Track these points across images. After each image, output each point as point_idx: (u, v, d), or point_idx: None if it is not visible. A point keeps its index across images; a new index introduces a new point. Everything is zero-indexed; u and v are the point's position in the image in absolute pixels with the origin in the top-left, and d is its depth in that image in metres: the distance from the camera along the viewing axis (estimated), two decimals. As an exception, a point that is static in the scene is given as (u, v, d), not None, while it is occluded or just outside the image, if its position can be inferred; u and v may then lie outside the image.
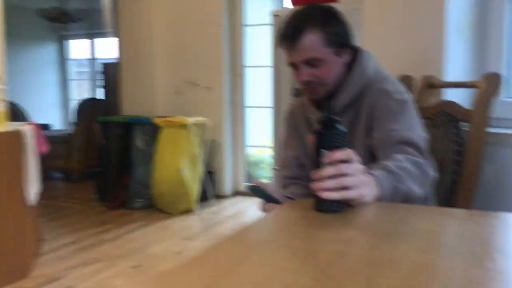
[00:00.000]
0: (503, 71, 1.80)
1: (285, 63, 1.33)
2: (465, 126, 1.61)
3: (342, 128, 0.90)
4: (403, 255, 0.68)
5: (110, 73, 5.31)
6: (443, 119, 1.67)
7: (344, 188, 0.89)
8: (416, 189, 1.08)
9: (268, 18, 3.48)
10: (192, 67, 4.46)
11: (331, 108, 0.92)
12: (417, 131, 1.20)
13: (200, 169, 4.06)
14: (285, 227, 0.90)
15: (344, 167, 0.88)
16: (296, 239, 0.80)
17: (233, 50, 4.40)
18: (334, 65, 1.27)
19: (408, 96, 1.28)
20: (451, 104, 1.67)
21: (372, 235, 0.79)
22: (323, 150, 0.89)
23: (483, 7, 1.86)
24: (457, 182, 1.58)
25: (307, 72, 1.27)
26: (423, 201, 1.14)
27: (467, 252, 0.69)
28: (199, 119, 4.11)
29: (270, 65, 3.49)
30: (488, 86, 1.51)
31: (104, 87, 5.62)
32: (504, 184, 1.67)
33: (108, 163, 4.32)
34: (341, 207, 0.91)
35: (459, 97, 1.75)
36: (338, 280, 0.59)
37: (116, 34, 4.79)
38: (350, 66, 1.32)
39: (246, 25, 4.38)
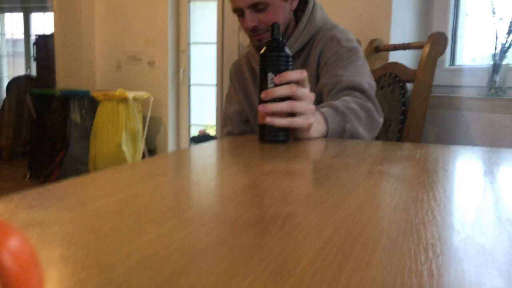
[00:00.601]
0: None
1: (231, 9, 1.26)
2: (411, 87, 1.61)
3: (288, 51, 0.86)
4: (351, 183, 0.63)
5: (44, 46, 5.00)
6: (389, 80, 1.67)
7: (293, 115, 0.84)
8: (363, 132, 1.06)
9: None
10: (135, 41, 4.28)
11: (276, 31, 0.86)
12: (366, 77, 1.18)
13: (141, 146, 3.91)
14: (221, 152, 0.83)
15: (295, 88, 0.82)
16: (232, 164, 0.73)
17: (178, 25, 4.26)
18: (281, 9, 1.23)
19: (357, 44, 1.25)
20: (397, 65, 1.67)
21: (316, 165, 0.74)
22: (269, 74, 0.84)
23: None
24: (401, 141, 1.58)
25: (253, 18, 1.22)
26: None
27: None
28: (140, 93, 3.95)
29: (216, 42, 3.40)
30: (433, 45, 1.51)
31: (38, 60, 5.28)
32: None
33: (41, 139, 4.07)
34: (286, 138, 0.86)
35: (406, 59, 1.75)
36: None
37: (51, 8, 4.51)
38: (297, 15, 1.29)
39: (192, 0, 4.25)
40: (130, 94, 3.80)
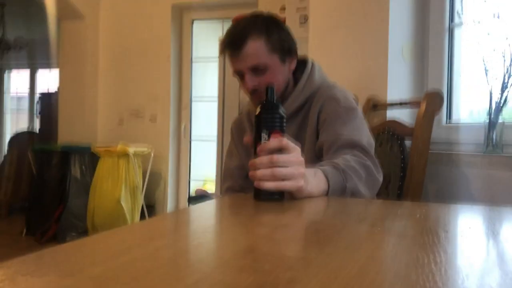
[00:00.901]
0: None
1: (232, 73, 1.30)
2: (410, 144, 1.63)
3: (282, 111, 0.88)
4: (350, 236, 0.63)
5: (48, 103, 5.09)
6: (387, 137, 1.69)
7: (281, 178, 0.85)
8: (363, 190, 1.06)
9: (216, 51, 3.48)
10: (137, 97, 4.37)
11: (271, 92, 0.89)
12: (365, 135, 1.19)
13: (140, 201, 3.89)
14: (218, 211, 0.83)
15: (276, 157, 0.84)
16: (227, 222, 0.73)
17: (181, 82, 4.36)
18: (280, 71, 1.27)
19: (356, 104, 1.28)
20: (394, 122, 1.70)
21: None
22: (263, 134, 0.86)
23: (423, 33, 1.94)
24: (402, 198, 1.58)
25: (253, 80, 1.25)
26: None
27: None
28: (141, 148, 3.98)
29: (217, 97, 3.48)
30: (429, 103, 1.55)
31: (41, 117, 5.36)
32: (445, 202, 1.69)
33: (40, 194, 4.05)
34: (281, 197, 0.86)
35: (404, 116, 1.78)
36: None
37: (57, 64, 4.64)
38: (296, 75, 1.33)
39: (195, 59, 4.37)
40: (131, 149, 3.82)
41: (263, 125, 0.86)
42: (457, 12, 1.79)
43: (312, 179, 0.92)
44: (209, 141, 4.19)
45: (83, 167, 3.95)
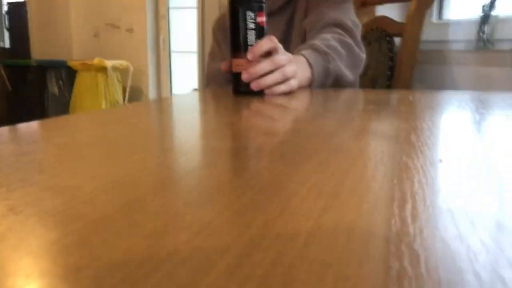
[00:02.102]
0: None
1: None
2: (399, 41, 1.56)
3: None
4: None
5: (17, 14, 4.79)
6: (376, 35, 1.62)
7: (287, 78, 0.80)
8: (346, 72, 1.01)
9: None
10: (112, 8, 4.12)
11: None
12: (350, 15, 1.12)
13: (122, 116, 3.82)
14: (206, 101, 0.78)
15: (279, 59, 0.78)
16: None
17: (157, -10, 4.10)
18: None
19: None
20: (384, 19, 1.62)
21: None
22: (248, 12, 0.77)
23: None
24: (389, 98, 1.55)
25: None
26: (352, 85, 1.08)
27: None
28: (119, 62, 3.83)
29: (196, 6, 3.30)
30: (421, -3, 1.46)
31: (11, 30, 5.07)
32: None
33: (17, 112, 3.94)
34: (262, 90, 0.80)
35: (394, 14, 1.69)
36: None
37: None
38: None
39: (171, -37, 4.09)
40: (109, 63, 3.68)
41: (244, 4, 0.77)
42: None
43: (299, 69, 0.87)
44: (189, 52, 4.05)
45: (61, 82, 3.82)
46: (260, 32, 0.78)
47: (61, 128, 0.47)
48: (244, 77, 0.76)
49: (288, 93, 0.79)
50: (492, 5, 1.52)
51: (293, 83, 0.81)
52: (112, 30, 4.18)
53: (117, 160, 0.32)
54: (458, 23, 1.73)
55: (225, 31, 1.38)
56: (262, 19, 0.78)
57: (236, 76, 0.79)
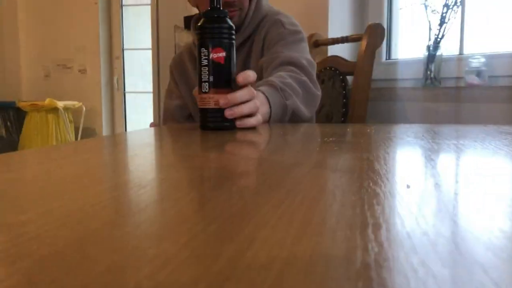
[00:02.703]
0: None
1: None
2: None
3: (230, 22, 0.79)
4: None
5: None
6: (329, 74, 1.66)
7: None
8: (303, 108, 1.03)
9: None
10: (64, 48, 4.06)
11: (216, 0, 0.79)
12: (305, 55, 1.15)
13: (74, 158, 3.70)
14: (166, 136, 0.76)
15: (252, 92, 0.79)
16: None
17: (111, 31, 4.09)
18: None
19: (301, 29, 1.23)
20: (336, 58, 1.67)
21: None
22: (210, 46, 0.76)
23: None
24: (344, 134, 1.58)
25: None
26: (309, 122, 1.10)
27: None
28: (72, 102, 3.75)
29: (150, 47, 3.29)
30: (371, 36, 1.52)
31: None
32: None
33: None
34: (233, 125, 0.79)
35: (345, 53, 1.76)
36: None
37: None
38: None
39: (125, 4, 4.10)
40: (61, 104, 3.58)
41: (210, 38, 0.77)
42: None
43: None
44: (144, 93, 4.02)
45: (8, 123, 3.68)
46: (217, 68, 0.77)
47: (7, 164, 0.44)
48: (222, 102, 0.75)
49: (253, 128, 0.78)
50: (436, 46, 1.61)
51: (259, 118, 0.81)
52: (64, 70, 4.10)
53: (69, 195, 0.30)
54: (406, 62, 1.81)
55: (182, 69, 1.38)
56: (219, 55, 0.77)
57: (203, 111, 0.78)
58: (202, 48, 0.77)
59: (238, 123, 0.77)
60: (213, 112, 0.78)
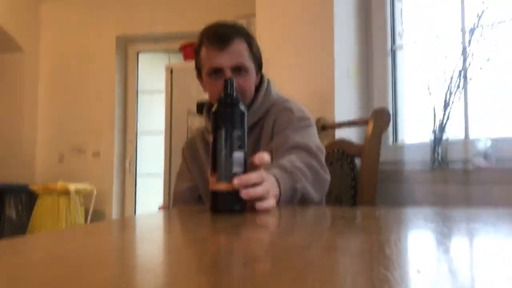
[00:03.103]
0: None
1: (207, 69, 1.24)
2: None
3: (242, 108, 0.82)
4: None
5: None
6: (337, 156, 1.69)
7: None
8: (312, 192, 1.03)
9: (162, 85, 3.40)
10: (80, 132, 4.17)
11: (230, 85, 0.83)
12: (314, 141, 1.18)
13: (82, 241, 3.65)
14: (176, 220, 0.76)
15: (263, 175, 0.80)
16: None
17: (126, 116, 4.23)
18: (253, 79, 1.28)
19: (310, 116, 1.28)
20: (343, 141, 1.70)
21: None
22: (223, 130, 0.78)
23: (368, 55, 2.00)
24: (355, 216, 1.56)
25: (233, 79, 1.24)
26: (318, 204, 1.09)
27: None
28: (83, 185, 3.78)
29: (163, 131, 3.39)
30: (377, 120, 1.56)
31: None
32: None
33: (-31, 238, 3.71)
34: (244, 208, 0.78)
35: (352, 136, 1.79)
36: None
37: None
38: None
39: (141, 91, 4.28)
40: (72, 187, 3.62)
41: (223, 121, 0.79)
42: (399, 34, 1.86)
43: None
44: (155, 177, 4.06)
45: (19, 206, 3.69)
46: (244, 152, 0.79)
47: (15, 248, 0.44)
48: (236, 182, 0.76)
49: (266, 211, 0.78)
50: (441, 129, 1.64)
51: (272, 201, 0.81)
52: (78, 154, 4.18)
53: (78, 280, 0.30)
54: (412, 145, 1.84)
55: (195, 153, 1.41)
56: (245, 138, 0.80)
57: (214, 194, 0.79)
58: (230, 131, 0.79)
59: (258, 206, 0.77)
60: (224, 195, 0.78)
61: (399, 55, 1.94)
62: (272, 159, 1.18)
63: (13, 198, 3.66)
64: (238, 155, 0.78)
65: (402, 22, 1.86)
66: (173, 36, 3.97)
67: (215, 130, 0.79)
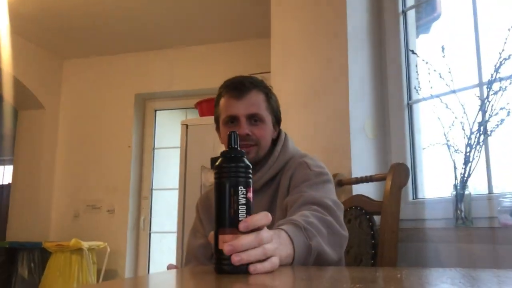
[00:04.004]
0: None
1: (223, 118, 1.27)
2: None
3: (247, 162, 0.77)
4: None
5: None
6: (355, 213, 1.63)
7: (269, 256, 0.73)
8: (329, 249, 0.97)
9: (177, 141, 3.41)
10: (95, 189, 4.17)
11: (234, 140, 0.79)
12: (330, 197, 1.13)
13: (93, 302, 3.55)
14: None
15: (262, 236, 0.72)
16: None
17: (141, 172, 4.23)
18: (269, 131, 1.29)
19: (327, 171, 1.24)
20: (361, 197, 1.65)
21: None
22: (240, 188, 0.74)
23: (384, 109, 1.97)
24: (375, 277, 1.48)
25: (248, 127, 1.25)
26: (336, 265, 1.02)
27: None
28: (97, 243, 3.73)
29: (177, 187, 3.36)
30: (395, 176, 1.51)
31: (-9, 212, 5.03)
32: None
33: (-20, 298, 3.65)
34: (247, 269, 0.71)
35: (370, 192, 1.74)
36: None
37: (11, 159, 4.44)
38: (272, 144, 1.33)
39: (157, 148, 4.30)
40: (85, 245, 3.56)
41: (227, 177, 0.74)
42: (415, 88, 1.84)
43: (279, 245, 0.83)
44: (169, 233, 3.99)
45: (32, 264, 3.64)
46: (249, 207, 0.75)
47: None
48: (227, 249, 0.70)
49: (271, 272, 0.73)
50: (463, 185, 1.58)
51: (275, 261, 0.74)
52: (93, 211, 4.16)
53: None
54: (433, 201, 1.77)
55: (208, 209, 1.37)
56: (250, 194, 0.75)
57: (218, 253, 0.74)
58: (240, 187, 0.74)
59: (252, 269, 0.71)
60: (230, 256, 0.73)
61: (416, 108, 1.92)
62: (286, 216, 1.13)
63: (25, 256, 3.62)
64: (243, 212, 0.74)
65: (418, 75, 1.85)
66: (190, 93, 4.04)
67: (220, 186, 0.75)
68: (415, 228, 1.68)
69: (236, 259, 0.69)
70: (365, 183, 1.71)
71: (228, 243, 0.70)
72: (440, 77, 1.66)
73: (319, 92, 2.04)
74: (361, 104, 1.94)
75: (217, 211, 0.75)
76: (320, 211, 1.04)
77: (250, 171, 0.76)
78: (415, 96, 1.90)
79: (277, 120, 1.32)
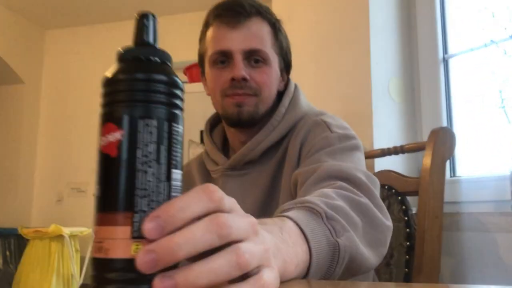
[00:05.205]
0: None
1: (210, 55, 0.90)
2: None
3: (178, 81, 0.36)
4: None
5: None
6: (383, 194, 1.25)
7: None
8: (366, 250, 0.60)
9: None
10: (80, 171, 3.85)
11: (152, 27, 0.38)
12: (361, 168, 0.75)
13: (75, 295, 3.23)
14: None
15: (229, 225, 0.33)
16: None
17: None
18: (275, 77, 0.92)
19: (354, 133, 0.87)
20: (390, 174, 1.28)
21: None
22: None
23: (413, 67, 1.61)
24: (411, 279, 1.11)
25: (245, 69, 0.87)
26: (371, 269, 0.66)
27: None
28: (80, 229, 3.38)
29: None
30: (438, 144, 1.14)
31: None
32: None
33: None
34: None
35: (396, 168, 1.36)
36: None
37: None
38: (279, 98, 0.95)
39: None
40: (66, 231, 3.22)
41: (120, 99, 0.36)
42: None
43: (279, 245, 0.45)
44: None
45: (7, 253, 3.32)
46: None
47: None
48: (144, 257, 0.32)
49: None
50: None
51: (266, 278, 0.36)
52: (78, 194, 3.85)
53: None
54: (479, 180, 1.39)
55: (189, 181, 1.01)
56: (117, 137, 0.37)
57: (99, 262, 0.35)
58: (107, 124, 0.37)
59: None
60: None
61: (454, 63, 1.54)
62: (295, 197, 0.77)
63: (0, 245, 3.29)
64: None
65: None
66: (180, 66, 3.68)
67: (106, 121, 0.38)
68: (461, 213, 1.31)
69: (164, 283, 0.31)
70: (392, 156, 1.33)
71: (146, 246, 0.32)
72: (493, 16, 1.27)
73: (333, 45, 1.66)
74: (385, 60, 1.57)
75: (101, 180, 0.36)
76: (350, 189, 0.66)
77: (177, 93, 0.38)
78: (452, 49, 1.52)
79: (286, 65, 0.95)
